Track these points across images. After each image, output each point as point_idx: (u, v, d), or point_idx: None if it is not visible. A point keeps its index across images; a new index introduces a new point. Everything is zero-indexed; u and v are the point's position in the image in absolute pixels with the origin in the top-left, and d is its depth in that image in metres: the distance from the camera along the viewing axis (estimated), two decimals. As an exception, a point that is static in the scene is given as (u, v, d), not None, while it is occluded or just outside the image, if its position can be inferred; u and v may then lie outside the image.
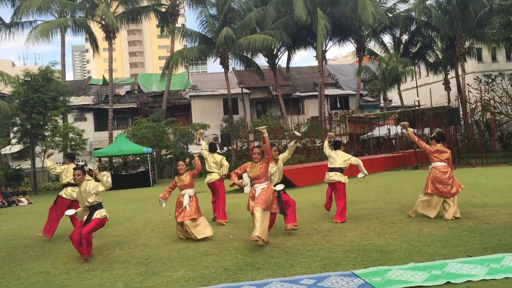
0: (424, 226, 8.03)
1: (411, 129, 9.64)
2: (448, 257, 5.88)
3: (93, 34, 36.05)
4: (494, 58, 43.03)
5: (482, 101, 27.74)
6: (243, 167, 8.00)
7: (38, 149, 29.94)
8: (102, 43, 45.14)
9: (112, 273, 6.39)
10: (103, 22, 34.56)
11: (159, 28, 39.15)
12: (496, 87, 29.83)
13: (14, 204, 20.66)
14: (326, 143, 9.90)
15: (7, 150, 32.74)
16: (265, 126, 8.55)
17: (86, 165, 8.10)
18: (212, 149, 10.99)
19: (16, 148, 33.47)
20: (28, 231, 11.14)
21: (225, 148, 31.01)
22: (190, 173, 8.63)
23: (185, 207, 8.33)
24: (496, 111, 27.88)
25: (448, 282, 4.85)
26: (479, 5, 32.07)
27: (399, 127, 32.74)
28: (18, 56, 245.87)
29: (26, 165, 33.09)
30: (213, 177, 10.71)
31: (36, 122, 28.19)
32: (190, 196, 8.43)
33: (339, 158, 9.46)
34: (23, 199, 21.41)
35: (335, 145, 9.78)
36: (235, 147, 32.78)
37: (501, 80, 30.45)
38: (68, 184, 9.82)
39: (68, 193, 9.78)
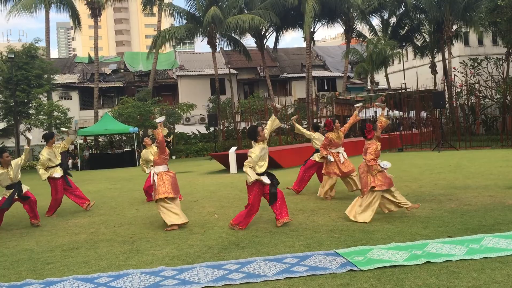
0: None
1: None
2: (429, 237, 5.98)
3: (76, 11, 35.42)
4: (480, 42, 43.23)
5: (468, 85, 27.94)
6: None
7: (22, 127, 29.60)
8: (88, 21, 44.46)
9: (96, 251, 6.40)
10: (88, -1, 33.97)
11: (145, 6, 38.49)
12: (482, 71, 30.04)
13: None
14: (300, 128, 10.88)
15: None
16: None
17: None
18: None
19: (-1, 125, 33.07)
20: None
21: (212, 129, 30.96)
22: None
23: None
24: (481, 95, 28.13)
25: (428, 262, 4.95)
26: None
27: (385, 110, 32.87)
28: (1, 33, 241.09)
29: (10, 143, 32.72)
30: None
31: (20, 99, 27.81)
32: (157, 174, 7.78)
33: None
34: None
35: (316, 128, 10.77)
36: (222, 128, 32.72)
37: (487, 64, 30.67)
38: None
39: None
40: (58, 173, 9.84)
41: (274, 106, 7.68)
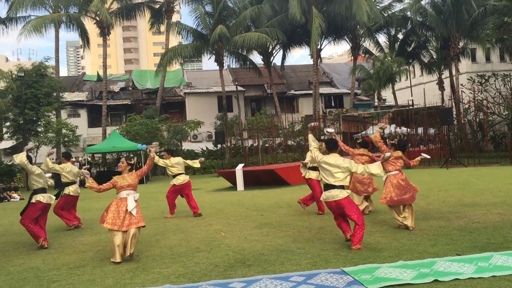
0: (415, 224, 8.06)
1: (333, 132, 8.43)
2: (437, 255, 5.92)
3: (85, 30, 35.86)
4: (488, 59, 43.18)
5: (475, 101, 27.83)
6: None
7: (30, 144, 29.81)
8: (97, 39, 44.96)
9: (102, 269, 6.39)
10: (97, 18, 34.42)
11: (153, 25, 38.91)
12: (490, 88, 29.91)
13: (6, 200, 20.58)
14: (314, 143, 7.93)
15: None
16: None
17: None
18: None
19: (8, 143, 33.28)
20: (19, 227, 11.05)
21: (219, 146, 30.99)
22: (136, 173, 7.43)
23: (130, 212, 6.94)
24: (489, 111, 27.99)
25: (436, 280, 4.89)
26: (473, 6, 32.18)
27: (393, 126, 32.84)
28: (12, 52, 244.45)
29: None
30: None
31: (29, 117, 28.05)
32: (135, 200, 7.14)
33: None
34: (15, 194, 21.32)
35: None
36: (229, 145, 32.77)
37: (495, 81, 30.52)
38: (68, 183, 10.37)
39: (73, 190, 10.43)
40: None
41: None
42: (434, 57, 39.33)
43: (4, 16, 34.24)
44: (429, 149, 27.48)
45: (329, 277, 5.25)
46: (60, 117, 33.12)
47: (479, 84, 30.63)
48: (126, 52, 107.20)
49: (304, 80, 46.69)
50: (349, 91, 40.17)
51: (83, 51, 41.26)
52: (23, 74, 27.21)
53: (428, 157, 8.96)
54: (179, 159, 11.50)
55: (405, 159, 8.37)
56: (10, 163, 31.85)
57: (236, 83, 41.40)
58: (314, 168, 9.96)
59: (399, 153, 8.22)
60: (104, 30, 34.80)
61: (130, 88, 44.98)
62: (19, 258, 7.50)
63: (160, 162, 11.23)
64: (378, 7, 36.56)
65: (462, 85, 32.79)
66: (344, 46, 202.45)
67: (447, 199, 11.07)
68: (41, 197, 8.55)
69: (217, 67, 36.03)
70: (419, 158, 8.70)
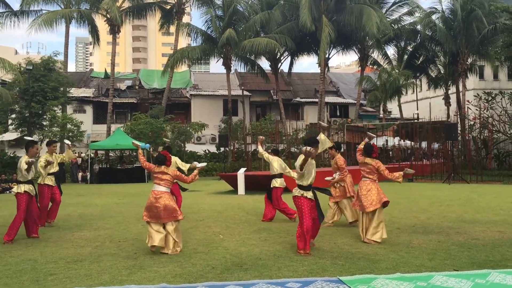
0: (414, 238, 8.07)
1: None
2: (434, 269, 5.91)
3: (96, 27, 36.03)
4: (495, 76, 43.11)
5: (481, 118, 27.80)
6: None
7: (35, 138, 29.89)
8: (107, 37, 45.16)
9: (100, 265, 6.40)
10: (108, 16, 34.60)
11: (163, 25, 39.05)
12: (496, 106, 29.88)
13: (8, 192, 20.63)
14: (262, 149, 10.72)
15: (4, 137, 32.70)
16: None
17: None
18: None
19: (13, 135, 33.38)
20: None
21: (222, 149, 31.01)
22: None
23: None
24: (494, 129, 27.94)
25: (432, 294, 4.88)
26: (483, 23, 32.20)
27: (397, 139, 32.79)
28: (21, 45, 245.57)
29: (22, 153, 32.94)
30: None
31: (35, 111, 28.16)
32: None
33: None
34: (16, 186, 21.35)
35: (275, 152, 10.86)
36: (232, 148, 32.79)
37: (501, 99, 30.48)
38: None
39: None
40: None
41: (321, 125, 7.75)
42: (442, 72, 39.30)
43: (16, 9, 34.50)
44: (432, 163, 27.46)
45: (325, 285, 5.24)
46: (66, 112, 33.21)
47: (485, 101, 30.58)
48: (134, 51, 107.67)
49: (310, 88, 46.74)
50: (355, 101, 40.17)
51: (92, 47, 41.50)
52: (31, 68, 27.35)
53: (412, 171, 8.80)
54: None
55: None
56: (13, 154, 31.94)
57: (243, 87, 41.47)
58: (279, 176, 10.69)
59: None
60: (114, 28, 34.98)
61: (137, 87, 45.13)
62: (17, 250, 7.52)
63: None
64: (388, 19, 36.60)
65: (468, 101, 32.75)
66: (352, 56, 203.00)
67: (447, 214, 11.05)
68: None
69: (225, 71, 36.14)
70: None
